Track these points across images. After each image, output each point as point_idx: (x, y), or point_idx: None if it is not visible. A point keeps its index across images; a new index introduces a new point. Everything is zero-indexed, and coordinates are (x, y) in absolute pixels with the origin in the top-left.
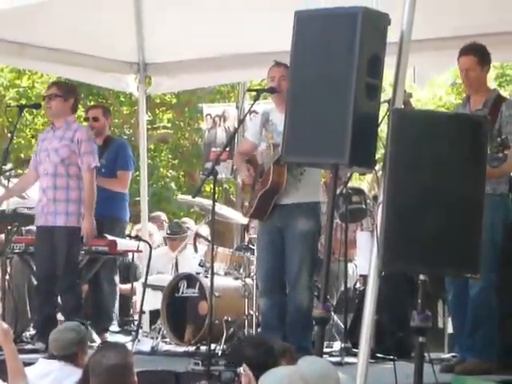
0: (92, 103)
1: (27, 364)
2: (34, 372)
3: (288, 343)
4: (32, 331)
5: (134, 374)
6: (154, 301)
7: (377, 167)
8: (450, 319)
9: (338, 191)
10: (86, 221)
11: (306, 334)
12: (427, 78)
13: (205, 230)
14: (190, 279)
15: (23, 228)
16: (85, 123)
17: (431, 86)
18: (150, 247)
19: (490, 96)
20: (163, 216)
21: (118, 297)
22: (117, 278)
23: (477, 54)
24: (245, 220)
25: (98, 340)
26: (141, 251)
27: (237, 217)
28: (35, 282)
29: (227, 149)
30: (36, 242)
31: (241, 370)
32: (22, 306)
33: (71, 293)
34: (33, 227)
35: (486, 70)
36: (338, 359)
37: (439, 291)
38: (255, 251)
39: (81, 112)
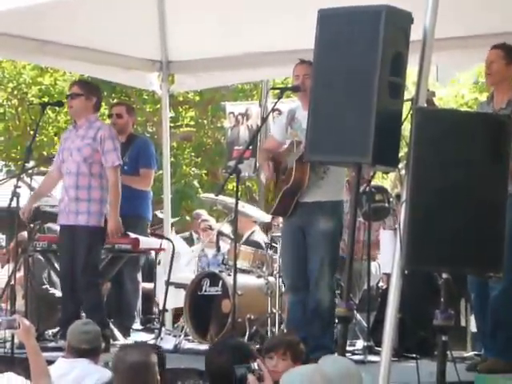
0: (115, 101)
1: (50, 362)
2: (54, 371)
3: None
4: (55, 329)
5: (157, 373)
6: (176, 299)
7: (400, 166)
8: (472, 318)
9: (361, 190)
10: (112, 219)
11: (326, 332)
12: (450, 77)
13: (227, 229)
14: (213, 277)
15: (45, 225)
16: (108, 120)
17: (453, 84)
18: (173, 245)
19: None
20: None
21: (140, 295)
22: (139, 276)
23: (503, 49)
24: (268, 218)
25: (120, 338)
26: (163, 249)
27: (259, 215)
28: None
29: (250, 147)
30: (59, 241)
31: (254, 365)
32: (45, 303)
33: (92, 291)
34: (52, 225)
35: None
36: (360, 357)
37: (462, 290)
38: (278, 249)
39: (104, 110)
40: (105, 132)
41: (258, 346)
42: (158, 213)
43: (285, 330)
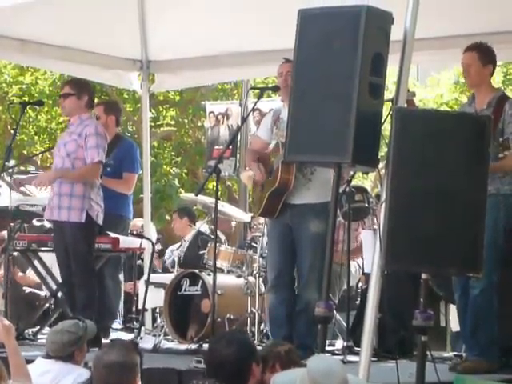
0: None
1: (30, 361)
2: (33, 370)
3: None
4: (35, 328)
5: (137, 374)
6: (156, 298)
7: (380, 166)
8: (452, 318)
9: (340, 190)
10: (51, 172)
11: (311, 331)
12: (429, 77)
13: (206, 228)
14: (193, 277)
15: (25, 225)
16: None
17: (433, 84)
18: (153, 244)
19: (494, 95)
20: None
21: (122, 294)
22: (121, 276)
23: (477, 51)
24: (247, 218)
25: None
26: (143, 249)
27: (239, 215)
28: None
29: (230, 146)
30: (53, 236)
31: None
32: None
33: (81, 289)
34: (37, 223)
35: (489, 68)
36: (340, 358)
37: (446, 292)
38: (257, 249)
39: None
40: (90, 128)
41: None
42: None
43: (267, 331)
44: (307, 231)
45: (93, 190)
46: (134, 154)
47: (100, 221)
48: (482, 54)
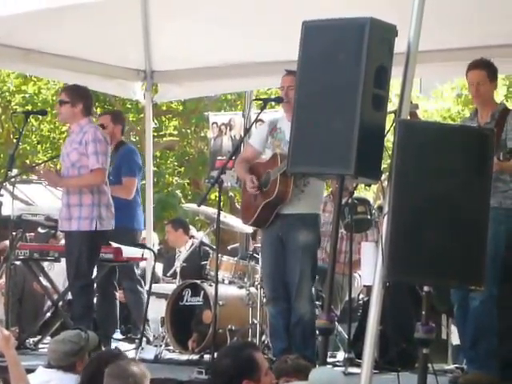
0: (98, 109)
1: (31, 371)
2: (34, 380)
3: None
4: (37, 338)
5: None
6: (158, 309)
7: (382, 177)
8: (453, 330)
9: (343, 201)
10: (58, 180)
11: (308, 344)
12: (433, 89)
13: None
14: (195, 288)
15: (27, 234)
16: None
17: (436, 96)
18: (155, 255)
19: (496, 109)
20: None
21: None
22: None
23: (486, 69)
24: (249, 229)
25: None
26: (145, 259)
27: (241, 225)
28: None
29: (233, 157)
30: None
31: None
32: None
33: (80, 298)
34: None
35: (494, 84)
36: (341, 369)
37: (443, 305)
38: (259, 260)
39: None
40: (89, 135)
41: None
42: None
43: (269, 342)
44: (296, 241)
45: (101, 198)
46: (132, 158)
47: (112, 227)
48: (490, 72)
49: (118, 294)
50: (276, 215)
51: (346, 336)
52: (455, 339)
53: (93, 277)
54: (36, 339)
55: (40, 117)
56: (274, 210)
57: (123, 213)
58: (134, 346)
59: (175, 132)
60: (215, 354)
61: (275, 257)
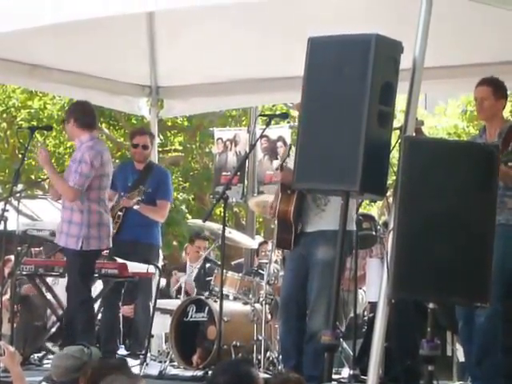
0: (103, 125)
1: None
2: None
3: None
4: (41, 353)
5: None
6: (162, 324)
7: (387, 193)
8: (458, 347)
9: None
10: (49, 164)
11: (318, 363)
12: (437, 105)
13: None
14: (199, 303)
15: (32, 249)
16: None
17: (440, 112)
18: (160, 270)
19: (504, 126)
20: None
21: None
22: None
23: (492, 85)
24: (255, 244)
25: None
26: (151, 274)
27: (246, 241)
28: None
29: (238, 173)
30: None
31: None
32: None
33: (80, 314)
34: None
35: (502, 102)
36: None
37: (448, 321)
38: (264, 276)
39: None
40: (78, 154)
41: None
42: None
43: (273, 358)
44: (317, 258)
45: (91, 218)
46: (168, 182)
47: (106, 245)
48: (496, 89)
49: (126, 309)
50: (301, 233)
51: (351, 352)
52: (460, 356)
53: (93, 292)
54: (40, 355)
55: (45, 132)
56: (290, 229)
57: (149, 229)
58: (138, 361)
59: (180, 147)
60: None
61: (295, 274)
